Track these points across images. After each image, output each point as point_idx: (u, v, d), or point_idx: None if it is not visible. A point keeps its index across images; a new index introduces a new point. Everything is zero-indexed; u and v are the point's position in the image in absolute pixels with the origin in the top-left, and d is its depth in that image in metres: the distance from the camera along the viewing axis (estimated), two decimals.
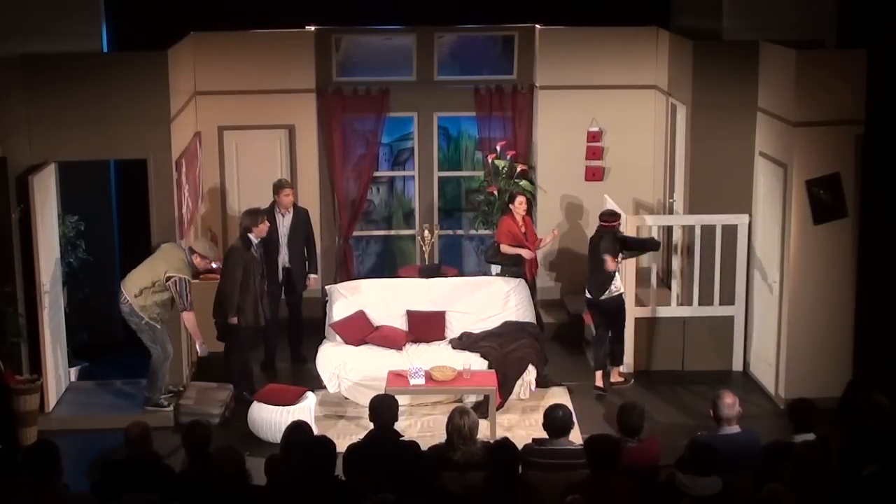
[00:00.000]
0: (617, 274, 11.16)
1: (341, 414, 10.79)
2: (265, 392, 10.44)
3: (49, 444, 6.97)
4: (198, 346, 10.69)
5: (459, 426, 7.59)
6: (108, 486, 7.15)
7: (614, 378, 11.47)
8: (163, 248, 10.73)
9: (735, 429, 7.85)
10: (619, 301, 11.27)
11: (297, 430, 7.55)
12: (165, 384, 10.72)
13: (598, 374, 11.38)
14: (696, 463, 7.08)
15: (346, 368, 10.93)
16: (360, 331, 11.45)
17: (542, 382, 11.24)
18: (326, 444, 7.22)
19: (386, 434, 7.87)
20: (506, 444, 7.29)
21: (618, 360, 11.50)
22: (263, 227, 11.00)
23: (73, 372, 11.32)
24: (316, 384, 10.98)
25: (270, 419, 10.13)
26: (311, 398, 10.40)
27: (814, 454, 7.46)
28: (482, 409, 10.21)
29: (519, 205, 12.16)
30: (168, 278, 10.40)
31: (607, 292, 11.17)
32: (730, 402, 7.84)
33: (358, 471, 7.41)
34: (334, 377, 10.93)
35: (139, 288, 10.43)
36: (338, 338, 11.42)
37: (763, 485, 6.82)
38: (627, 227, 11.68)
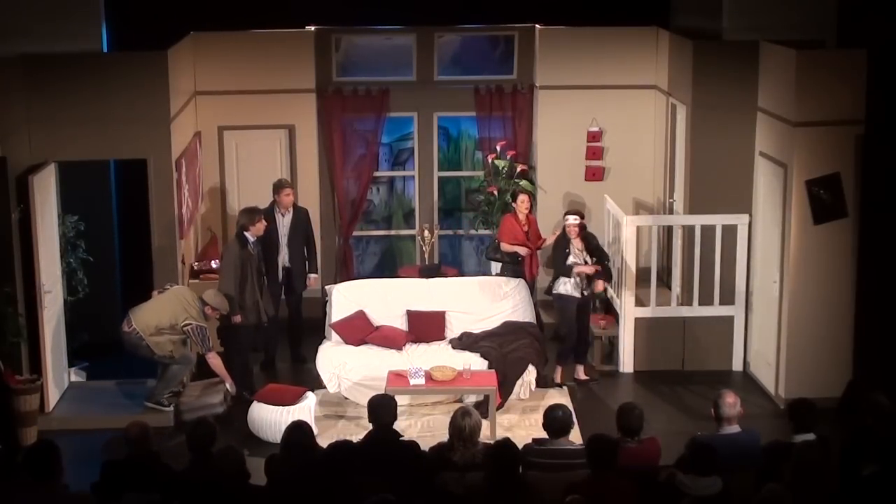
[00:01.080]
0: (568, 279, 11.28)
1: (341, 414, 10.79)
2: (265, 392, 10.44)
3: (49, 444, 6.97)
4: (228, 386, 10.69)
5: (461, 427, 7.58)
6: (108, 486, 7.15)
7: (578, 375, 11.55)
8: (176, 290, 10.70)
9: (735, 428, 7.85)
10: (556, 299, 11.49)
11: (298, 430, 7.55)
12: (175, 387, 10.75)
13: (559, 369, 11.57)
14: (696, 463, 7.08)
15: (346, 368, 10.93)
16: (360, 331, 11.45)
17: (542, 382, 11.24)
18: (344, 449, 7.27)
19: (385, 434, 7.88)
20: (506, 444, 7.28)
21: (579, 358, 11.62)
22: (260, 226, 11.01)
23: (75, 372, 11.34)
24: (316, 384, 10.97)
25: (270, 419, 10.12)
26: (311, 398, 10.40)
27: (814, 454, 7.46)
28: (482, 409, 10.20)
29: (521, 203, 12.13)
30: (186, 325, 10.43)
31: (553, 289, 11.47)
32: (731, 402, 7.85)
33: (358, 471, 7.41)
34: (334, 377, 10.92)
35: (156, 327, 10.42)
36: (338, 338, 11.43)
37: (763, 485, 6.82)
38: (627, 227, 11.69)
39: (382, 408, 7.96)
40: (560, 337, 11.74)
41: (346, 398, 10.91)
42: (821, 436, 7.65)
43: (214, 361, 10.61)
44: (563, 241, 11.38)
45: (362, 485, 7.12)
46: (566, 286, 11.32)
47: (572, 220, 11.32)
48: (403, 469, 7.51)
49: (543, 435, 7.95)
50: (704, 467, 7.04)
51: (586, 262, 11.29)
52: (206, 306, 10.55)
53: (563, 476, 7.34)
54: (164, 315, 10.46)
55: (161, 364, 10.61)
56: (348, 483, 7.20)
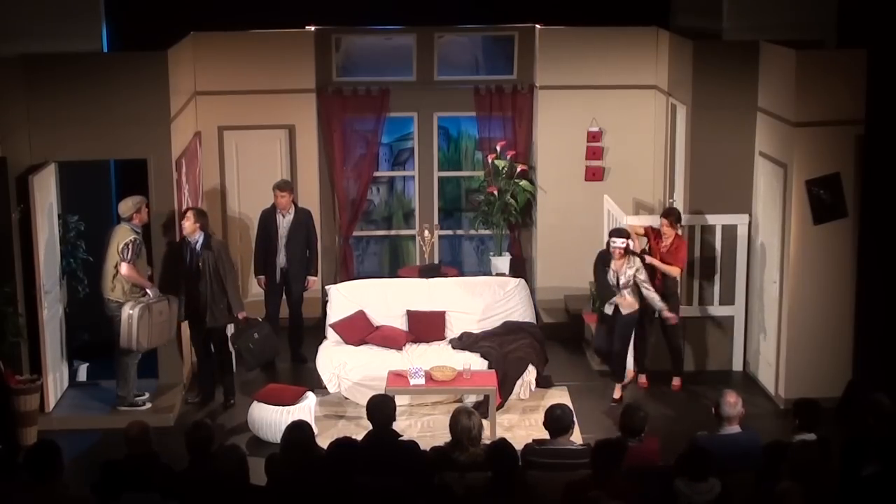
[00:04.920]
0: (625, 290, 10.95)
1: (341, 414, 10.78)
2: (265, 392, 10.44)
3: (50, 444, 6.97)
4: (149, 292, 10.62)
5: (469, 427, 7.59)
6: (107, 486, 7.14)
7: (640, 382, 11.41)
8: (112, 234, 10.66)
9: (735, 429, 7.87)
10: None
11: (297, 429, 7.56)
12: (135, 383, 10.78)
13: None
14: (690, 467, 7.07)
15: (345, 368, 10.92)
16: (360, 331, 11.44)
17: (543, 382, 11.24)
18: (345, 448, 7.29)
19: (384, 434, 7.86)
20: (504, 444, 7.29)
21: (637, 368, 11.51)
22: (186, 226, 10.89)
23: (76, 371, 11.35)
24: (316, 384, 10.98)
25: (271, 419, 10.13)
26: (311, 398, 10.40)
27: (811, 454, 7.46)
28: (482, 409, 10.20)
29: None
30: (123, 247, 10.42)
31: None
32: (732, 402, 7.89)
33: (358, 471, 7.40)
34: (334, 377, 10.92)
35: (111, 281, 10.48)
36: (338, 338, 11.42)
37: (763, 485, 6.82)
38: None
39: (381, 408, 7.95)
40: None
41: (347, 398, 10.91)
42: (821, 436, 7.66)
43: (124, 271, 10.45)
44: (605, 259, 11.01)
45: (362, 485, 7.12)
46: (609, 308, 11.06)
47: (619, 242, 10.82)
48: (403, 469, 7.50)
49: (544, 435, 7.96)
50: (698, 472, 7.03)
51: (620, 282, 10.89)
52: (132, 217, 10.51)
53: (563, 476, 7.34)
54: (109, 265, 10.47)
55: (116, 363, 10.67)
56: (348, 483, 7.20)
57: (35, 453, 6.91)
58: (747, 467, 7.55)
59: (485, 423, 8.76)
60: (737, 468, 7.43)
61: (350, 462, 7.22)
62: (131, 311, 10.38)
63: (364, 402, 10.68)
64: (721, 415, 7.89)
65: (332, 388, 10.93)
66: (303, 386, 10.72)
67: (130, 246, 10.45)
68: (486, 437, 8.96)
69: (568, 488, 6.97)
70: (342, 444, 7.38)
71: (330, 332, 11.52)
